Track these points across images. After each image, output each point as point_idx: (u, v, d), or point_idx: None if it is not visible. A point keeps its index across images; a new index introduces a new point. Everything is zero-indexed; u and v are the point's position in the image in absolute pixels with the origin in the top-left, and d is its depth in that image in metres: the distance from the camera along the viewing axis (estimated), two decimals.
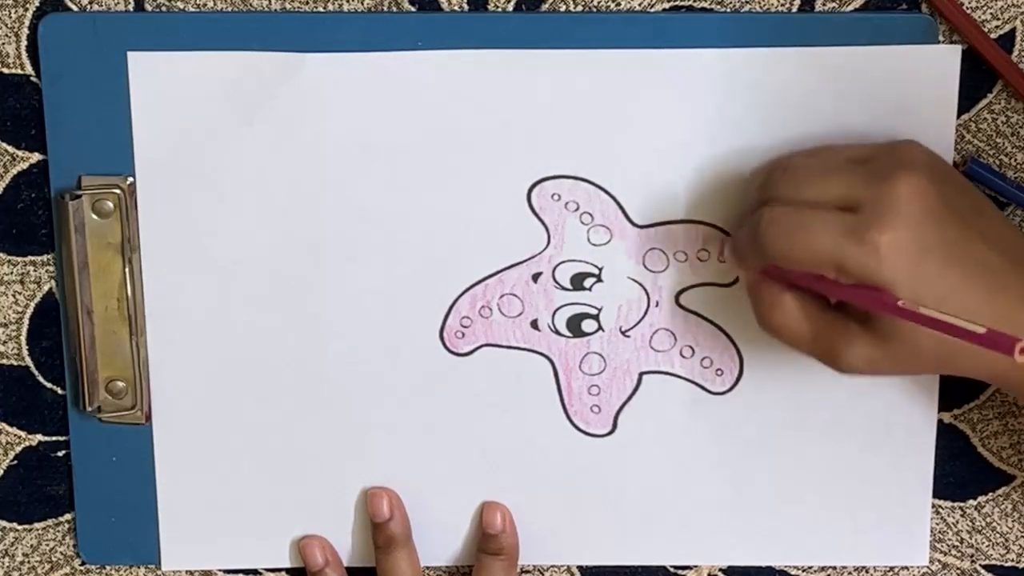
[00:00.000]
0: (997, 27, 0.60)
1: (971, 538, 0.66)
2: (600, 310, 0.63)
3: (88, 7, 0.61)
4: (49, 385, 0.65)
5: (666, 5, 0.60)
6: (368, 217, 0.62)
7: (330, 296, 0.63)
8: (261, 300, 0.63)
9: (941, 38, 0.60)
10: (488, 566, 0.64)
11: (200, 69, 0.60)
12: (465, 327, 0.63)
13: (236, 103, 0.61)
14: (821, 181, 0.53)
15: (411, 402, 0.64)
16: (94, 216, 0.62)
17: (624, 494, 0.65)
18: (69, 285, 0.62)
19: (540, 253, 0.62)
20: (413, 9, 0.61)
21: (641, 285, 0.63)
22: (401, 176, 0.62)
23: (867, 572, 0.66)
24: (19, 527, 0.67)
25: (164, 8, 0.61)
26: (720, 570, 0.67)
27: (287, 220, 0.62)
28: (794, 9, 0.60)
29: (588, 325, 0.63)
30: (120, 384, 0.64)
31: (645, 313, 0.63)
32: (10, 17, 0.61)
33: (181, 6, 0.61)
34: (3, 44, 0.61)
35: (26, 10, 0.61)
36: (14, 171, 0.63)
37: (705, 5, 0.60)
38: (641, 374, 0.64)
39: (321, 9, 0.61)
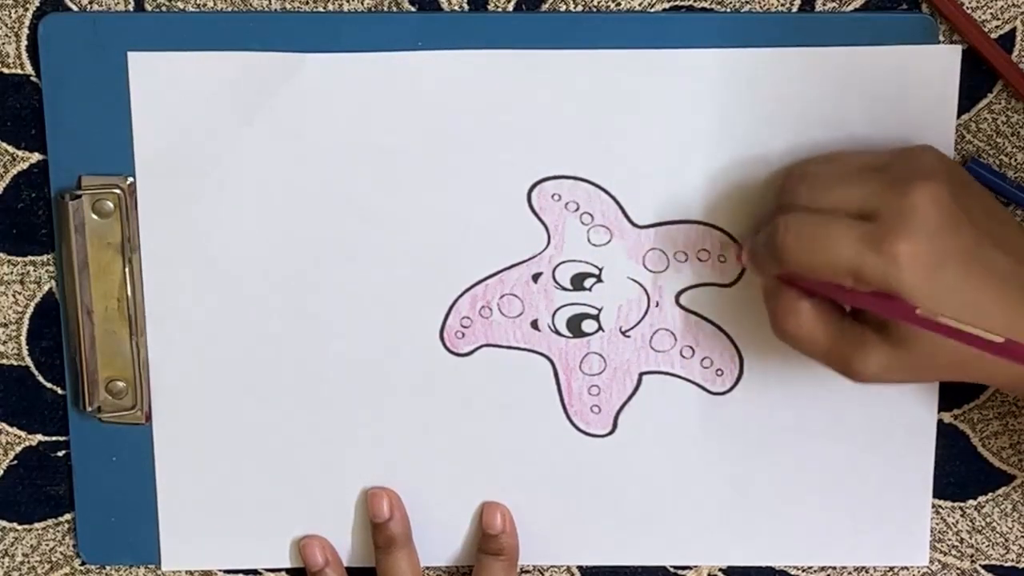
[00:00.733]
0: (997, 27, 0.60)
1: (971, 538, 0.66)
2: (600, 310, 0.63)
3: (88, 7, 0.61)
4: (49, 385, 0.65)
5: (666, 5, 0.60)
6: (368, 217, 0.62)
7: (330, 296, 0.63)
8: (261, 300, 0.63)
9: (941, 38, 0.60)
10: (488, 566, 0.64)
11: (200, 69, 0.60)
12: (465, 327, 0.63)
13: (236, 103, 0.61)
14: (839, 189, 0.53)
15: (411, 402, 0.64)
16: (94, 216, 0.62)
17: (624, 494, 0.65)
18: (69, 285, 0.62)
19: (540, 253, 0.62)
20: (413, 9, 0.61)
21: (641, 285, 0.63)
22: (401, 176, 0.62)
23: (867, 572, 0.66)
24: (19, 527, 0.67)
25: (164, 8, 0.61)
26: (720, 570, 0.67)
27: (287, 220, 0.62)
28: (794, 9, 0.60)
29: (588, 325, 0.63)
30: (120, 384, 0.64)
31: (645, 313, 0.63)
32: (10, 17, 0.61)
33: (181, 6, 0.61)
34: (3, 44, 0.61)
35: (26, 10, 0.61)
36: (14, 171, 0.63)
37: (705, 5, 0.60)
38: (641, 374, 0.64)
39: (321, 9, 0.61)
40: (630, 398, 0.64)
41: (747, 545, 0.66)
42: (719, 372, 0.64)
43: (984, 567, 0.66)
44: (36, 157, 0.62)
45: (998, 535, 0.66)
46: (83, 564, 0.67)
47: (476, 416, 0.64)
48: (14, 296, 0.64)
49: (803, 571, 0.66)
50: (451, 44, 0.60)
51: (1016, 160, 0.62)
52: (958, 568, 0.66)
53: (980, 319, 0.49)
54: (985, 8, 0.60)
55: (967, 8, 0.60)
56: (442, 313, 0.63)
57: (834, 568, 0.66)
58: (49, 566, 0.67)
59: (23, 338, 0.64)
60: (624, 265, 0.62)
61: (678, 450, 0.64)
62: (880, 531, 0.65)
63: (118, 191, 0.62)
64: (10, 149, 0.62)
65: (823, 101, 0.60)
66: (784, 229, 0.53)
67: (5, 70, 0.61)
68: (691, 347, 0.63)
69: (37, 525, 0.66)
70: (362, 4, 0.61)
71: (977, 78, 0.61)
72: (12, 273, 0.64)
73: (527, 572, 0.67)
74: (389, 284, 0.63)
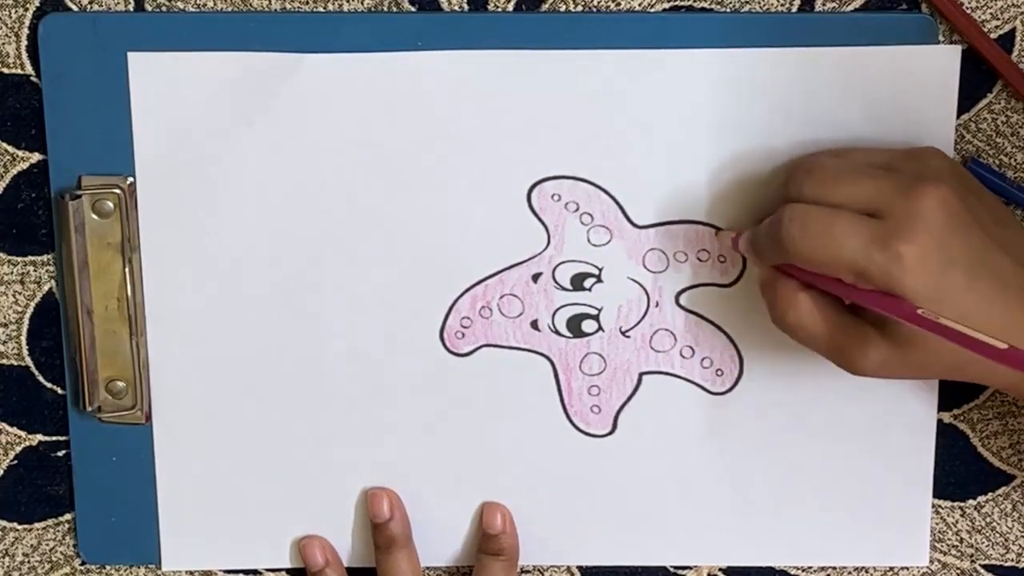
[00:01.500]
0: (997, 27, 0.60)
1: (971, 538, 0.66)
2: (600, 310, 0.63)
3: (88, 7, 0.61)
4: (49, 385, 0.65)
5: (666, 5, 0.60)
6: (368, 217, 0.62)
7: (330, 296, 0.63)
8: (261, 300, 0.63)
9: (941, 38, 0.60)
10: (488, 566, 0.64)
11: (200, 69, 0.60)
12: (465, 327, 0.63)
13: (236, 103, 0.61)
14: (847, 184, 0.53)
15: (411, 402, 0.64)
16: (94, 216, 0.62)
17: (624, 494, 0.65)
18: (69, 285, 0.62)
19: (540, 253, 0.62)
20: (413, 9, 0.61)
21: (641, 285, 0.63)
22: (401, 176, 0.62)
23: (867, 572, 0.66)
24: (19, 527, 0.67)
25: (164, 8, 0.61)
26: (720, 570, 0.67)
27: (287, 220, 0.62)
28: (794, 9, 0.60)
29: (588, 325, 0.63)
30: (120, 384, 0.64)
31: (645, 313, 0.63)
32: (10, 17, 0.61)
33: (181, 6, 0.61)
34: (3, 44, 0.61)
35: (26, 10, 0.61)
36: (14, 171, 0.63)
37: (705, 5, 0.60)
38: (641, 374, 0.64)
39: (321, 9, 0.61)
40: (630, 398, 0.64)
41: (747, 545, 0.66)
42: (719, 372, 0.64)
43: (984, 567, 0.66)
44: (36, 157, 0.62)
45: (998, 535, 0.66)
46: (83, 564, 0.67)
47: (476, 416, 0.64)
48: (14, 296, 0.64)
49: (803, 571, 0.66)
50: (451, 44, 0.60)
51: (1016, 160, 0.62)
52: (958, 568, 0.66)
53: (983, 323, 0.49)
54: (985, 8, 0.60)
55: (967, 8, 0.60)
56: (442, 313, 0.63)
57: (834, 568, 0.66)
58: (49, 566, 0.67)
59: (23, 338, 0.64)
60: (624, 265, 0.62)
61: (678, 450, 0.64)
62: (880, 531, 0.65)
63: (118, 191, 0.62)
64: (10, 149, 0.62)
65: (823, 101, 0.60)
66: (790, 220, 0.53)
67: (5, 70, 0.61)
68: (691, 347, 0.63)
69: (37, 525, 0.66)
70: (362, 4, 0.61)
71: (977, 78, 0.61)
72: (12, 273, 0.64)
73: (527, 572, 0.67)
74: (389, 284, 0.63)
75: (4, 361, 0.65)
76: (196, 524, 0.65)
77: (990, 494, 0.65)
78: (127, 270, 0.62)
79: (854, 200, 0.53)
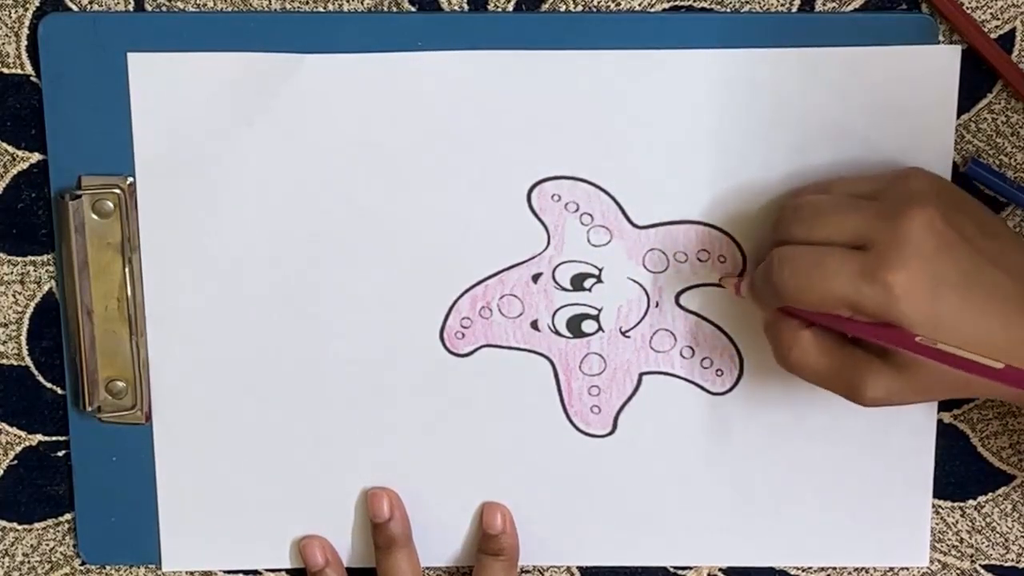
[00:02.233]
0: (997, 27, 0.60)
1: (971, 538, 0.66)
2: (600, 311, 0.63)
3: (88, 7, 0.61)
4: (49, 385, 0.65)
5: (666, 5, 0.60)
6: (368, 217, 0.62)
7: (330, 296, 0.63)
8: (261, 300, 0.63)
9: (941, 38, 0.60)
10: (488, 567, 0.64)
11: (200, 69, 0.60)
12: (465, 328, 0.63)
13: (236, 103, 0.61)
14: (831, 219, 0.54)
15: (411, 402, 0.64)
16: (94, 216, 0.62)
17: (624, 494, 0.65)
18: (69, 285, 0.62)
19: (540, 254, 0.62)
20: (413, 9, 0.61)
21: (641, 286, 0.63)
22: (401, 177, 0.62)
23: (867, 572, 0.66)
24: (19, 527, 0.67)
25: (164, 8, 0.61)
26: (720, 570, 0.67)
27: (287, 220, 0.62)
28: (794, 9, 0.60)
29: (588, 326, 0.63)
30: (120, 384, 0.64)
31: (645, 314, 0.63)
32: (10, 17, 0.61)
33: (181, 6, 0.61)
34: (3, 44, 0.61)
35: (26, 10, 0.61)
36: (14, 171, 0.63)
37: (705, 5, 0.60)
38: (641, 375, 0.64)
39: (321, 9, 0.61)
40: (630, 398, 0.64)
41: (747, 545, 0.66)
42: (719, 372, 0.64)
43: (984, 567, 0.66)
44: (36, 157, 0.62)
45: (998, 535, 0.66)
46: (83, 564, 0.67)
47: (476, 416, 0.64)
48: (14, 296, 0.64)
49: (803, 571, 0.66)
50: (451, 44, 0.60)
51: (1016, 160, 0.62)
52: (958, 568, 0.66)
53: (981, 341, 0.50)
54: (985, 8, 0.60)
55: (967, 8, 0.60)
56: (442, 313, 0.63)
57: (834, 568, 0.66)
58: (49, 566, 0.67)
59: (23, 338, 0.64)
60: (624, 265, 0.62)
61: (678, 450, 0.64)
62: (880, 531, 0.65)
63: (118, 191, 0.62)
64: (10, 149, 0.62)
65: (823, 101, 0.60)
66: (779, 263, 0.54)
67: (5, 70, 0.61)
68: (691, 347, 0.63)
69: (37, 525, 0.66)
70: (362, 4, 0.61)
71: (977, 78, 0.61)
72: (12, 273, 0.64)
73: (527, 572, 0.67)
74: (389, 284, 0.63)
75: (4, 361, 0.65)
76: (196, 524, 0.65)
77: (990, 494, 0.65)
78: (127, 270, 0.62)
79: (841, 234, 0.53)
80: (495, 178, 0.61)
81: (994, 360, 0.48)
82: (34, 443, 0.66)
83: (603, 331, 0.63)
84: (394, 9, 0.61)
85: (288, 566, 0.66)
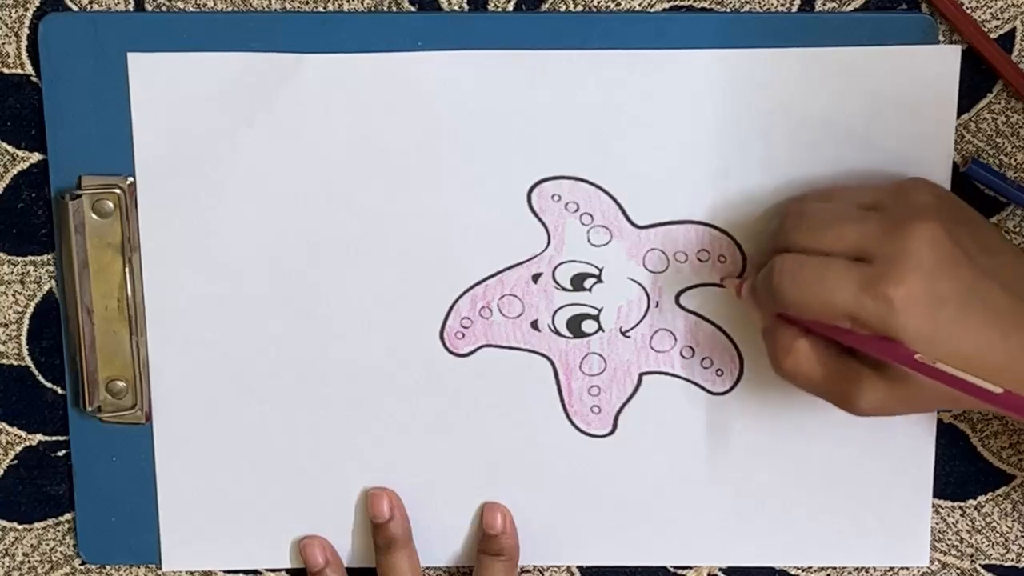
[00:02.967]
0: (997, 27, 0.60)
1: (971, 538, 0.66)
2: (600, 311, 0.63)
3: (88, 7, 0.61)
4: (49, 385, 0.65)
5: (666, 5, 0.60)
6: (368, 218, 0.62)
7: (330, 296, 0.63)
8: (261, 300, 0.63)
9: (941, 38, 0.60)
10: (488, 567, 0.64)
11: (200, 69, 0.60)
12: (465, 328, 0.63)
13: (236, 103, 0.61)
14: (834, 229, 0.54)
15: (411, 402, 0.64)
16: (94, 216, 0.62)
17: (624, 494, 0.65)
18: (69, 285, 0.62)
19: (540, 254, 0.62)
20: (413, 9, 0.61)
21: (641, 286, 0.63)
22: (401, 177, 0.62)
23: (867, 572, 0.66)
24: (19, 527, 0.67)
25: (164, 8, 0.61)
26: (720, 570, 0.67)
27: (287, 220, 0.62)
28: (794, 9, 0.60)
29: (588, 326, 0.63)
30: (120, 384, 0.64)
31: (645, 313, 0.63)
32: (10, 17, 0.61)
33: (181, 6, 0.61)
34: (3, 44, 0.61)
35: (26, 10, 0.61)
36: (14, 171, 0.63)
37: (705, 5, 0.60)
38: (641, 374, 0.64)
39: (321, 9, 0.61)
40: (630, 398, 0.64)
41: (747, 545, 0.66)
42: (719, 372, 0.64)
43: (984, 567, 0.66)
44: (36, 157, 0.62)
45: (998, 535, 0.66)
46: (83, 564, 0.67)
47: (476, 416, 0.64)
48: (14, 296, 0.64)
49: (803, 571, 0.66)
50: (451, 44, 0.60)
51: (1016, 160, 0.62)
52: (958, 568, 0.66)
53: (979, 359, 0.50)
54: (985, 8, 0.60)
55: (967, 8, 0.60)
56: (442, 314, 0.63)
57: (834, 568, 0.66)
58: (49, 566, 0.67)
59: (23, 338, 0.64)
60: (624, 265, 0.62)
61: (678, 450, 0.64)
62: (880, 531, 0.65)
63: (118, 191, 0.62)
64: (10, 149, 0.62)
65: (823, 101, 0.60)
66: (781, 271, 0.54)
67: (5, 70, 0.61)
68: (691, 347, 0.63)
69: (37, 525, 0.66)
70: (362, 4, 0.61)
71: (977, 78, 0.61)
72: (12, 273, 0.64)
73: (527, 572, 0.67)
74: (389, 284, 0.63)
75: (4, 361, 0.65)
76: (196, 524, 0.65)
77: (990, 494, 0.65)
78: (127, 270, 0.62)
79: (843, 245, 0.53)
80: (495, 178, 0.61)
81: (993, 385, 0.48)
82: (34, 443, 0.66)
83: (603, 331, 0.63)
84: (394, 9, 0.61)
85: (288, 566, 0.66)
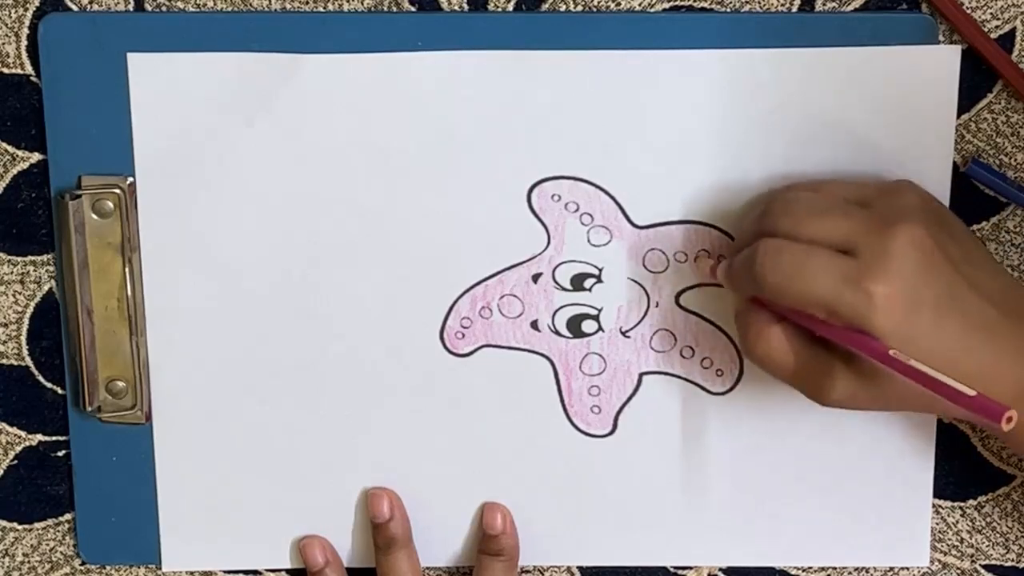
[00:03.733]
0: (997, 27, 0.60)
1: (971, 538, 0.66)
2: (600, 311, 0.63)
3: (88, 7, 0.61)
4: (49, 385, 0.65)
5: (666, 5, 0.60)
6: (368, 218, 0.62)
7: (330, 296, 0.63)
8: (261, 300, 0.63)
9: (941, 38, 0.60)
10: (488, 567, 0.64)
11: (200, 70, 0.60)
12: (465, 328, 0.63)
13: (236, 104, 0.61)
14: (821, 220, 0.54)
15: (411, 402, 0.64)
16: (94, 216, 0.62)
17: (624, 494, 0.65)
18: (69, 285, 0.62)
19: (540, 254, 0.62)
20: (413, 9, 0.61)
21: (641, 286, 0.63)
22: (401, 177, 0.62)
23: (867, 572, 0.66)
24: (19, 527, 0.67)
25: (164, 8, 0.61)
26: (720, 570, 0.67)
27: (287, 221, 0.62)
28: (794, 9, 0.60)
29: (588, 326, 0.63)
30: (120, 384, 0.64)
31: (645, 314, 0.63)
32: (10, 17, 0.61)
33: (181, 6, 0.61)
34: (3, 44, 0.61)
35: (26, 10, 0.61)
36: (14, 171, 0.63)
37: (705, 5, 0.60)
38: (641, 374, 0.64)
39: (321, 9, 0.61)
40: (630, 398, 0.64)
41: (747, 545, 0.66)
42: (719, 372, 0.64)
43: (984, 567, 0.66)
44: (36, 157, 0.62)
45: (998, 535, 0.66)
46: (83, 564, 0.67)
47: (476, 416, 0.64)
48: (14, 296, 0.64)
49: (803, 571, 0.66)
50: (451, 44, 0.60)
51: (1016, 160, 0.62)
52: (958, 568, 0.66)
53: (953, 365, 0.50)
54: (985, 8, 0.60)
55: (967, 8, 0.60)
56: (442, 314, 0.63)
57: (834, 568, 0.66)
58: (49, 566, 0.67)
59: (23, 338, 0.64)
60: (624, 265, 0.62)
61: (678, 450, 0.64)
62: (880, 531, 0.65)
63: (118, 191, 0.62)
64: (10, 149, 0.62)
65: (823, 101, 0.60)
66: (764, 254, 0.54)
67: (5, 70, 0.61)
68: (691, 347, 0.63)
69: (37, 525, 0.66)
70: (362, 4, 0.61)
71: (977, 78, 0.61)
72: (12, 273, 0.64)
73: (527, 572, 0.67)
74: (389, 284, 0.63)
75: (4, 361, 0.65)
76: (196, 524, 0.65)
77: (990, 494, 0.65)
78: (127, 270, 0.62)
79: (828, 237, 0.53)
80: (495, 178, 0.61)
81: (967, 386, 0.48)
82: (34, 443, 0.66)
83: (603, 331, 0.63)
84: (394, 9, 0.61)
85: (288, 566, 0.66)
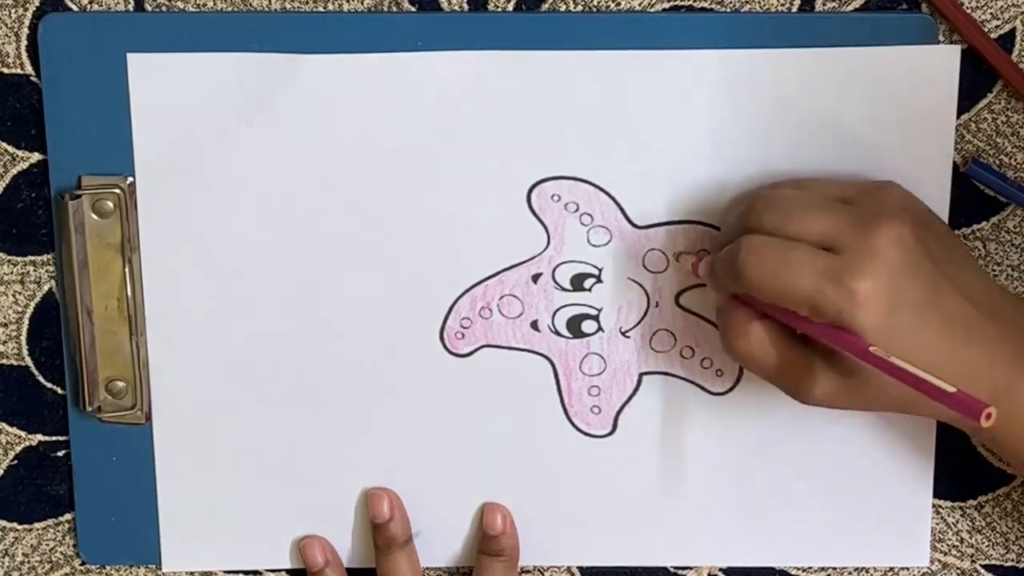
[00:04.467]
0: (997, 27, 0.60)
1: (971, 538, 0.66)
2: (600, 311, 0.63)
3: (88, 7, 0.61)
4: (49, 385, 0.65)
5: (666, 5, 0.60)
6: (368, 218, 0.62)
7: (330, 296, 0.63)
8: (261, 300, 0.63)
9: (941, 38, 0.60)
10: (488, 567, 0.64)
11: (200, 70, 0.60)
12: (465, 328, 0.63)
13: (236, 104, 0.61)
14: (805, 217, 0.54)
15: (411, 403, 0.64)
16: (94, 216, 0.62)
17: (624, 494, 0.65)
18: (69, 285, 0.62)
19: (540, 254, 0.62)
20: (413, 9, 0.61)
21: (641, 286, 0.63)
22: (401, 177, 0.62)
23: (867, 572, 0.66)
24: (19, 527, 0.67)
25: (164, 8, 0.61)
26: (720, 570, 0.67)
27: (287, 221, 0.62)
28: (794, 9, 0.60)
29: (588, 326, 0.63)
30: (120, 384, 0.64)
31: (645, 314, 0.63)
32: (10, 17, 0.61)
33: (181, 6, 0.61)
34: (3, 44, 0.61)
35: (26, 10, 0.61)
36: (14, 171, 0.63)
37: (705, 5, 0.60)
38: (641, 375, 0.64)
39: (321, 9, 0.61)
40: (630, 398, 0.64)
41: (747, 545, 0.66)
42: (719, 372, 0.64)
43: (984, 567, 0.66)
44: (36, 157, 0.62)
45: (998, 535, 0.66)
46: (83, 564, 0.67)
47: (476, 417, 0.64)
48: (14, 296, 0.64)
49: (803, 571, 0.66)
50: (451, 44, 0.60)
51: (1016, 160, 0.62)
52: (958, 568, 0.66)
53: (933, 364, 0.50)
54: (985, 8, 0.60)
55: (967, 8, 0.60)
56: (442, 314, 0.63)
57: (834, 568, 0.66)
58: (49, 566, 0.67)
59: (23, 338, 0.64)
60: (624, 265, 0.62)
61: (678, 450, 0.64)
62: (880, 531, 0.65)
63: (118, 191, 0.62)
64: (10, 149, 0.62)
65: (823, 101, 0.60)
66: (747, 250, 0.53)
67: (5, 70, 0.61)
68: (691, 347, 0.63)
69: (37, 525, 0.66)
70: (362, 4, 0.61)
71: (977, 78, 0.61)
72: (12, 273, 0.64)
73: (527, 572, 0.67)
74: (389, 284, 0.63)
75: (4, 361, 0.65)
76: (196, 524, 0.65)
77: (990, 494, 0.65)
78: (127, 270, 0.62)
79: (811, 234, 0.53)
80: (495, 178, 0.61)
81: (947, 383, 0.48)
82: (34, 443, 0.66)
83: (603, 331, 0.63)
84: (394, 9, 0.61)
85: (288, 566, 0.66)
